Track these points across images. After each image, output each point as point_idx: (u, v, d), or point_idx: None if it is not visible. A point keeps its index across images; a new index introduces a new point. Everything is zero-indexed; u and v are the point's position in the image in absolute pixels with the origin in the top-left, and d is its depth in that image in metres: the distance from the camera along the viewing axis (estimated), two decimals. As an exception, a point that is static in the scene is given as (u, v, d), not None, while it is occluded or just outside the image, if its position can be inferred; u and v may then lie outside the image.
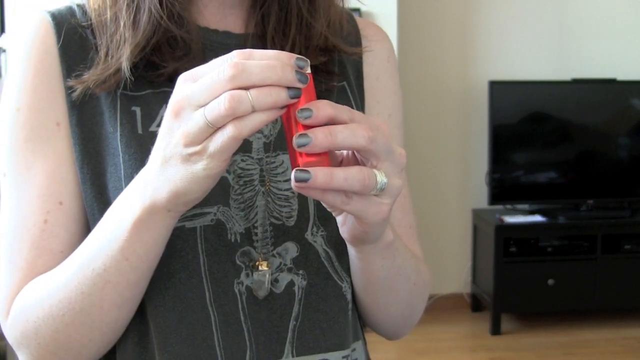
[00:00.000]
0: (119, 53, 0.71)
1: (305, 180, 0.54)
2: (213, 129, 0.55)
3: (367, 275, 0.74)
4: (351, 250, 0.72)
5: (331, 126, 0.55)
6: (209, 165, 0.57)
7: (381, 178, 0.57)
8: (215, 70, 0.55)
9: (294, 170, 0.55)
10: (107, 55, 0.72)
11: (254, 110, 0.54)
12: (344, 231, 0.65)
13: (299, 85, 0.55)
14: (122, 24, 0.72)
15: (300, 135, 0.54)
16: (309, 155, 0.55)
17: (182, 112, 0.57)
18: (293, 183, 0.55)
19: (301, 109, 0.55)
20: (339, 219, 0.65)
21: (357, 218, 0.60)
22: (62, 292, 0.67)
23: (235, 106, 0.54)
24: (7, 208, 0.74)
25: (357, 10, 3.33)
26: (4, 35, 3.17)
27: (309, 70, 0.56)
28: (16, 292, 0.72)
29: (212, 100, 0.55)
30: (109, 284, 0.65)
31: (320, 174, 0.55)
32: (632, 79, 3.95)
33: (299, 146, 0.54)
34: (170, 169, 0.59)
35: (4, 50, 3.11)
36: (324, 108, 0.55)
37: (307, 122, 0.55)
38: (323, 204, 0.62)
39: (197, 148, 0.56)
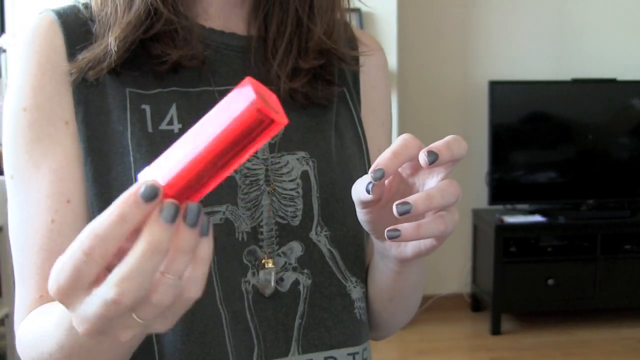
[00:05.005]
0: (110, 33, 0.71)
1: (407, 212, 0.56)
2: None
3: (400, 286, 0.76)
4: (393, 267, 0.72)
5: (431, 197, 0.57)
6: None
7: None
8: None
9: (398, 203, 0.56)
10: (102, 38, 0.72)
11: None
12: (402, 252, 0.66)
13: None
14: (118, 9, 0.71)
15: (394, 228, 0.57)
16: None
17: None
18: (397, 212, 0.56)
19: (401, 204, 0.56)
20: (392, 243, 0.66)
21: (438, 236, 0.61)
22: (45, 342, 0.61)
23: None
24: (16, 211, 0.72)
25: (357, 10, 3.33)
26: (4, 35, 3.17)
27: None
28: (27, 303, 0.70)
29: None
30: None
31: (419, 201, 0.56)
32: (632, 79, 3.95)
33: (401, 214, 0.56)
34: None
35: (4, 50, 3.11)
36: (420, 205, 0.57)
37: (407, 215, 0.57)
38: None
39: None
